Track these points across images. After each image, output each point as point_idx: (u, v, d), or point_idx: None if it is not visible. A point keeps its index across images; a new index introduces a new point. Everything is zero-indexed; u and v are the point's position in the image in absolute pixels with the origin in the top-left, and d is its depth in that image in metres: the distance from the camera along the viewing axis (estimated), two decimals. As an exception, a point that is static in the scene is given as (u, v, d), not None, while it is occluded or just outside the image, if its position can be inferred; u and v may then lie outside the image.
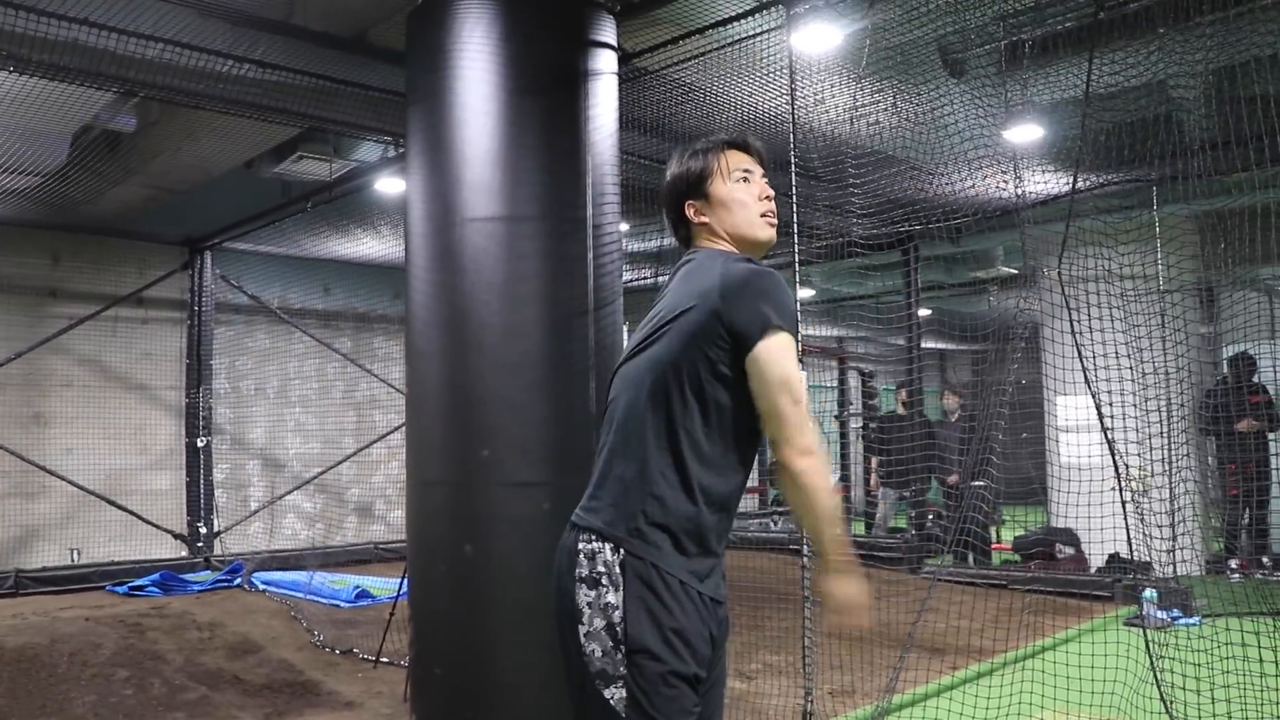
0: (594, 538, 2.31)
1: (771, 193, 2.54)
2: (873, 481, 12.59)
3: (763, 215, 2.51)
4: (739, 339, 2.28)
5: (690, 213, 2.55)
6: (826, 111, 6.47)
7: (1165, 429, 6.68)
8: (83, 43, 5.88)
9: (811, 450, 2.25)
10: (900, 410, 12.15)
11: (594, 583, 2.27)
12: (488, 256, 4.94)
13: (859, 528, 12.68)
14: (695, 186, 2.53)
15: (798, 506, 2.32)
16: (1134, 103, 6.32)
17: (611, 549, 2.28)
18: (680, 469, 2.30)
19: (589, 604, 2.27)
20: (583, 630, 2.27)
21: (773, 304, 2.29)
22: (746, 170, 2.52)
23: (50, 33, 5.73)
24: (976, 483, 7.11)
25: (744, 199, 2.50)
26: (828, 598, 2.37)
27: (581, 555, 2.31)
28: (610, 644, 2.23)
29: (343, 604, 8.76)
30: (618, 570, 2.26)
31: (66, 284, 10.78)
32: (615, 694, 2.22)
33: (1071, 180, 5.13)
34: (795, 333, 2.35)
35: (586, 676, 2.25)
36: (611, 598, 2.24)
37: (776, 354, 2.27)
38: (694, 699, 2.27)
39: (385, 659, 6.52)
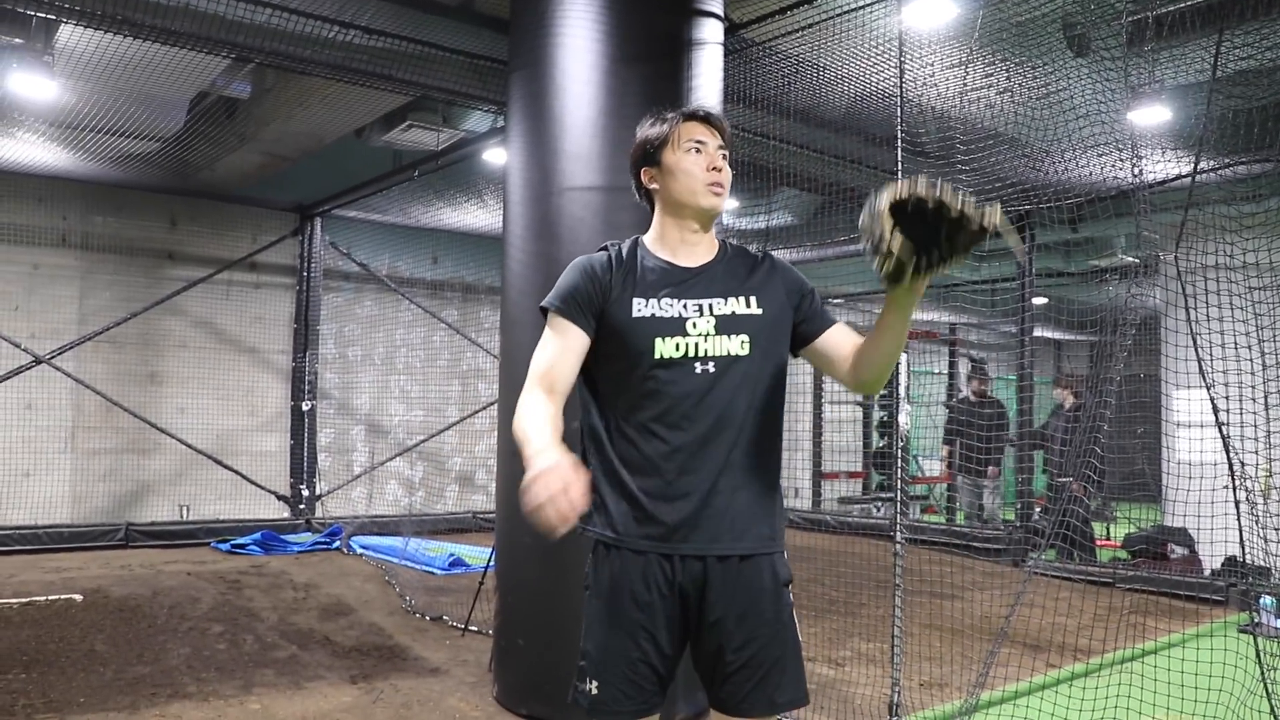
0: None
1: (722, 164, 2.54)
2: (941, 470, 12.36)
3: (708, 185, 2.52)
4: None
5: (645, 179, 2.60)
6: (935, 87, 6.27)
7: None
8: (194, 7, 5.97)
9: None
10: (972, 397, 11.92)
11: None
12: (584, 226, 4.89)
13: (960, 518, 12.42)
14: (651, 154, 2.57)
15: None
16: (1273, 84, 6.00)
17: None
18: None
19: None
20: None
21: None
22: (699, 141, 2.54)
23: (163, -3, 5.83)
24: (1067, 478, 6.86)
25: (690, 168, 2.52)
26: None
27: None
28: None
29: (437, 571, 8.84)
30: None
31: (183, 247, 11.06)
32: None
33: (1193, 165, 4.87)
34: (559, 306, 2.50)
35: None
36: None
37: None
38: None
39: (474, 627, 6.55)
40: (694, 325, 2.45)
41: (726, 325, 2.46)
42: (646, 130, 2.61)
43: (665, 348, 2.43)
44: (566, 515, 2.11)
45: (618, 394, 2.49)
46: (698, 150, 2.53)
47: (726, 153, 2.58)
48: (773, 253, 2.71)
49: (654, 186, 2.58)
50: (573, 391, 2.51)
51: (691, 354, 2.43)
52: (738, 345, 2.45)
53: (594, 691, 2.44)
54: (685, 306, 2.48)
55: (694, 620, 2.46)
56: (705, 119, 2.58)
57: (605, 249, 2.60)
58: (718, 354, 2.44)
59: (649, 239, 2.61)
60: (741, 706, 2.45)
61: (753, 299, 2.51)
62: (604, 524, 2.49)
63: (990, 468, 11.53)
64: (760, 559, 2.47)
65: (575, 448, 2.39)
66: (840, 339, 2.58)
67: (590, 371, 2.54)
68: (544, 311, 2.53)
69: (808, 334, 2.59)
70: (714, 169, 2.52)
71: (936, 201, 1.97)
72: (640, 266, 2.54)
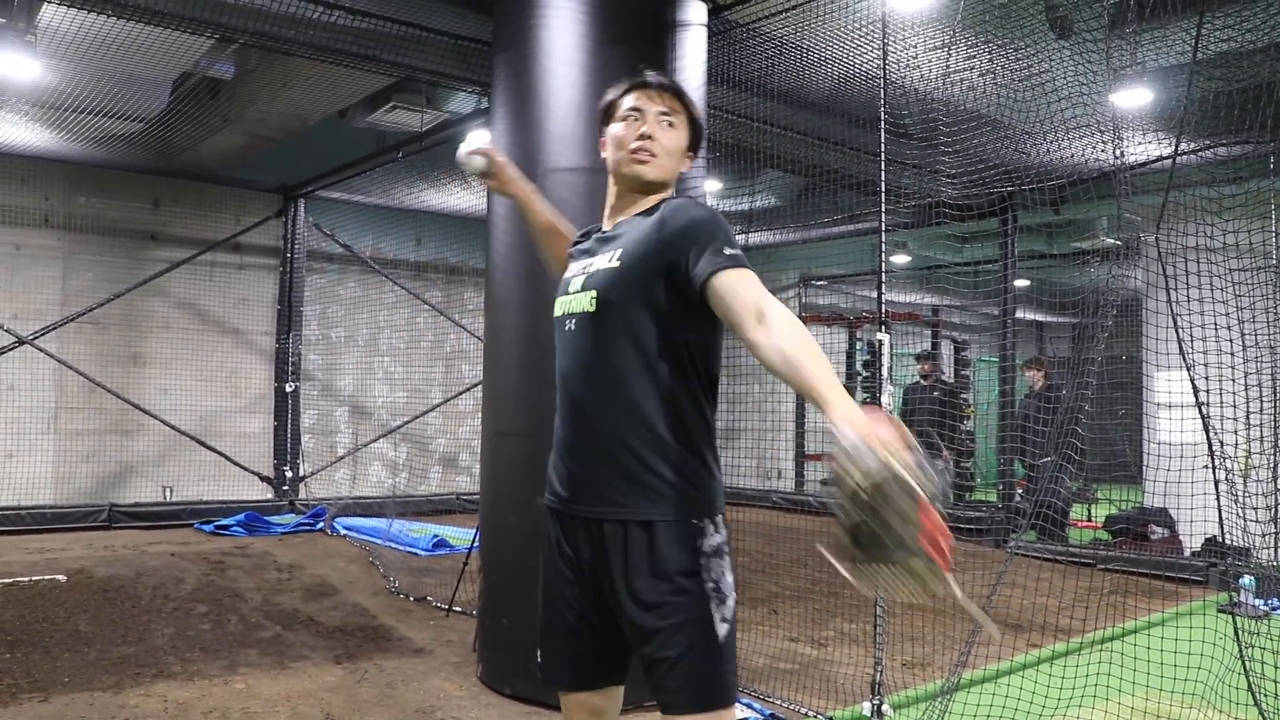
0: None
1: (655, 131, 2.51)
2: None
3: (634, 152, 2.51)
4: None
5: (600, 147, 2.66)
6: (918, 69, 6.28)
7: (1273, 409, 6.41)
8: (178, -14, 5.94)
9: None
10: (922, 381, 12.01)
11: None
12: (568, 208, 4.85)
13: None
14: (602, 123, 2.64)
15: None
16: (1254, 66, 6.02)
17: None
18: None
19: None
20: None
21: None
22: (636, 109, 2.54)
23: (146, -24, 5.80)
24: (1046, 459, 6.92)
25: (623, 137, 2.53)
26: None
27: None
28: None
29: (420, 552, 8.86)
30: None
31: (166, 228, 11.02)
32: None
33: (1174, 147, 4.90)
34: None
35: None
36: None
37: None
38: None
39: (458, 608, 6.57)
40: (574, 284, 2.51)
41: (589, 282, 2.45)
42: (600, 102, 2.68)
43: (555, 308, 2.55)
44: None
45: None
46: (635, 118, 2.53)
47: (672, 120, 2.55)
48: (683, 201, 2.49)
49: (604, 155, 2.62)
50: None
51: (563, 312, 2.51)
52: (587, 301, 2.42)
53: (537, 659, 2.61)
54: (582, 266, 2.54)
55: (604, 582, 2.39)
56: (646, 85, 2.57)
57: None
58: (576, 311, 2.46)
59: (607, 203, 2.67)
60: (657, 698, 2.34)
61: (618, 252, 2.43)
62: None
63: (944, 451, 11.61)
64: (658, 526, 2.30)
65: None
66: (724, 298, 2.22)
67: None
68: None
69: (692, 284, 2.28)
70: (642, 136, 2.51)
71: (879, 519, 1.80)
72: (588, 234, 2.70)
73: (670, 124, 2.54)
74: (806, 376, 2.04)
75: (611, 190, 2.61)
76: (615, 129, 2.55)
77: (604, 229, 2.60)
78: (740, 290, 2.20)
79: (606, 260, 2.44)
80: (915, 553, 1.78)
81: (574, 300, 2.46)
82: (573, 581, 2.49)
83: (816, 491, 13.64)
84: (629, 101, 2.56)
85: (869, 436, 1.83)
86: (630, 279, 2.37)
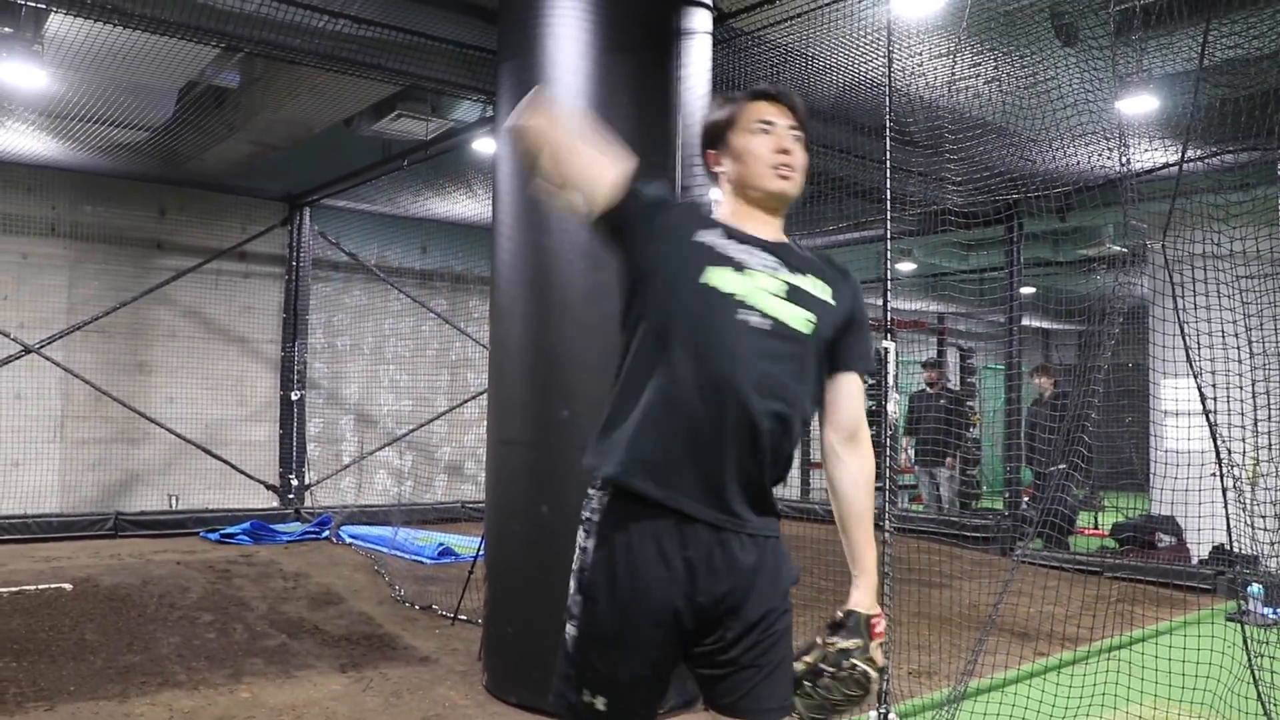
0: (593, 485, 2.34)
1: (792, 147, 2.39)
2: (903, 460, 12.41)
3: (775, 167, 2.38)
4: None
5: (712, 162, 2.49)
6: (923, 76, 6.28)
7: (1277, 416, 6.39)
8: (183, -5, 5.96)
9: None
10: (927, 389, 11.99)
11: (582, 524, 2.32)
12: (574, 216, 4.88)
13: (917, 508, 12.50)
14: (717, 137, 2.45)
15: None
16: (1261, 72, 6.01)
17: (593, 487, 2.31)
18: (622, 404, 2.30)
19: (579, 545, 2.30)
20: (572, 568, 2.30)
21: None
22: (767, 122, 2.40)
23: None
24: (1058, 466, 6.91)
25: (758, 150, 2.38)
26: None
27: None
28: (575, 585, 2.26)
29: (426, 560, 8.85)
30: (591, 513, 2.29)
31: (172, 237, 11.03)
32: (570, 630, 2.26)
33: (1180, 154, 4.89)
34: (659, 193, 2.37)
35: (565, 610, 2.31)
36: (585, 542, 2.28)
37: None
38: (635, 661, 2.21)
39: (463, 616, 6.56)
40: (756, 274, 2.29)
41: (795, 295, 2.29)
42: (713, 113, 2.50)
43: (713, 277, 2.25)
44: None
45: (658, 316, 2.29)
46: (765, 131, 2.39)
47: (800, 134, 2.43)
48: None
49: (719, 169, 2.47)
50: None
51: (747, 299, 2.25)
52: (802, 320, 2.28)
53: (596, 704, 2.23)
54: (752, 255, 2.32)
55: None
56: (774, 97, 2.45)
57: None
58: (778, 315, 2.26)
59: (720, 214, 2.46)
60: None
61: (828, 290, 2.36)
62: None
63: (948, 459, 11.60)
64: (781, 541, 2.34)
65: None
66: (845, 395, 2.39)
67: (637, 290, 2.34)
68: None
69: (833, 362, 2.38)
70: (782, 150, 2.39)
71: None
72: (714, 220, 2.40)
73: (797, 138, 2.43)
74: (862, 524, 2.42)
75: (739, 204, 2.43)
76: (750, 142, 2.39)
77: (744, 229, 2.37)
78: (859, 399, 2.41)
79: (816, 288, 2.32)
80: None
81: (773, 302, 2.25)
82: (671, 606, 2.19)
83: (823, 500, 13.62)
84: (759, 113, 2.41)
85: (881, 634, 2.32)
86: (835, 324, 2.35)
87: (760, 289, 2.25)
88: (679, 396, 2.19)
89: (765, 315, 2.24)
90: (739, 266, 2.27)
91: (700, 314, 2.22)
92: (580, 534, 2.29)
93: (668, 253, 2.28)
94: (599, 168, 2.28)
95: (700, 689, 2.32)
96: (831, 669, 2.26)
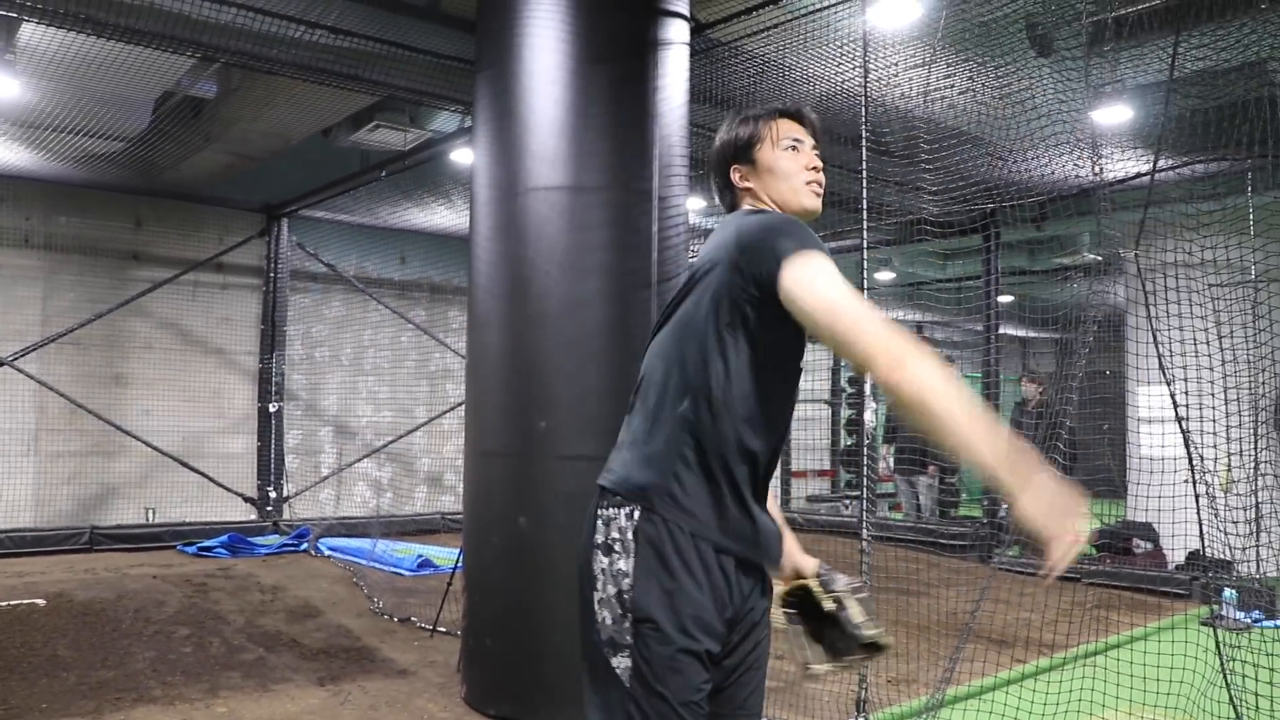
0: (613, 503, 2.26)
1: (819, 164, 2.43)
2: (881, 469, 12.43)
3: (807, 184, 2.41)
4: (763, 283, 2.14)
5: (736, 178, 2.46)
6: (899, 87, 6.32)
7: (1252, 424, 6.45)
8: (158, 6, 5.93)
9: (903, 358, 1.94)
10: None
11: (608, 549, 2.23)
12: (550, 226, 4.90)
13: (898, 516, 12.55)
14: (743, 152, 2.44)
15: (925, 430, 1.98)
16: (1229, 84, 6.07)
17: (627, 514, 2.22)
18: (705, 432, 2.22)
19: (603, 570, 2.23)
20: (596, 597, 2.23)
21: (789, 235, 2.16)
22: (796, 139, 2.42)
23: (127, -5, 5.80)
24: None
25: (789, 167, 2.40)
26: (1026, 526, 1.93)
27: (599, 521, 2.27)
28: (620, 612, 2.19)
29: (405, 572, 8.82)
30: (630, 537, 2.20)
31: (148, 248, 10.97)
32: (621, 663, 2.18)
33: (1152, 164, 4.94)
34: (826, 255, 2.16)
35: (597, 643, 2.22)
36: (623, 564, 2.20)
37: (808, 275, 2.09)
38: (703, 675, 2.18)
39: (442, 628, 6.54)
40: None
41: None
42: (736, 129, 2.48)
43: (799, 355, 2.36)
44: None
45: (759, 381, 2.25)
46: (794, 149, 2.43)
47: (819, 152, 2.48)
48: None
49: (746, 185, 2.45)
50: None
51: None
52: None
53: None
54: None
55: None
56: (798, 116, 2.48)
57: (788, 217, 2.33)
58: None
59: None
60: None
61: None
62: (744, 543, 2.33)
63: (930, 466, 11.64)
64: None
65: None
66: None
67: (736, 347, 2.23)
68: (789, 254, 2.11)
69: None
70: (813, 168, 2.43)
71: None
72: None
73: (819, 156, 2.47)
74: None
75: None
76: (781, 159, 2.41)
77: None
78: None
79: None
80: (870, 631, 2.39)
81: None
82: (724, 634, 2.24)
83: (802, 508, 13.65)
84: (787, 130, 2.44)
85: None
86: None
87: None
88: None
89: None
90: None
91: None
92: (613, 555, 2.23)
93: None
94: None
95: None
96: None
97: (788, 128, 2.44)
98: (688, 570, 2.17)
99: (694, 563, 2.18)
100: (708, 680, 2.21)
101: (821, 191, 2.44)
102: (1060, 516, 1.90)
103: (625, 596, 2.19)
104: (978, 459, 1.92)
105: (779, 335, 2.22)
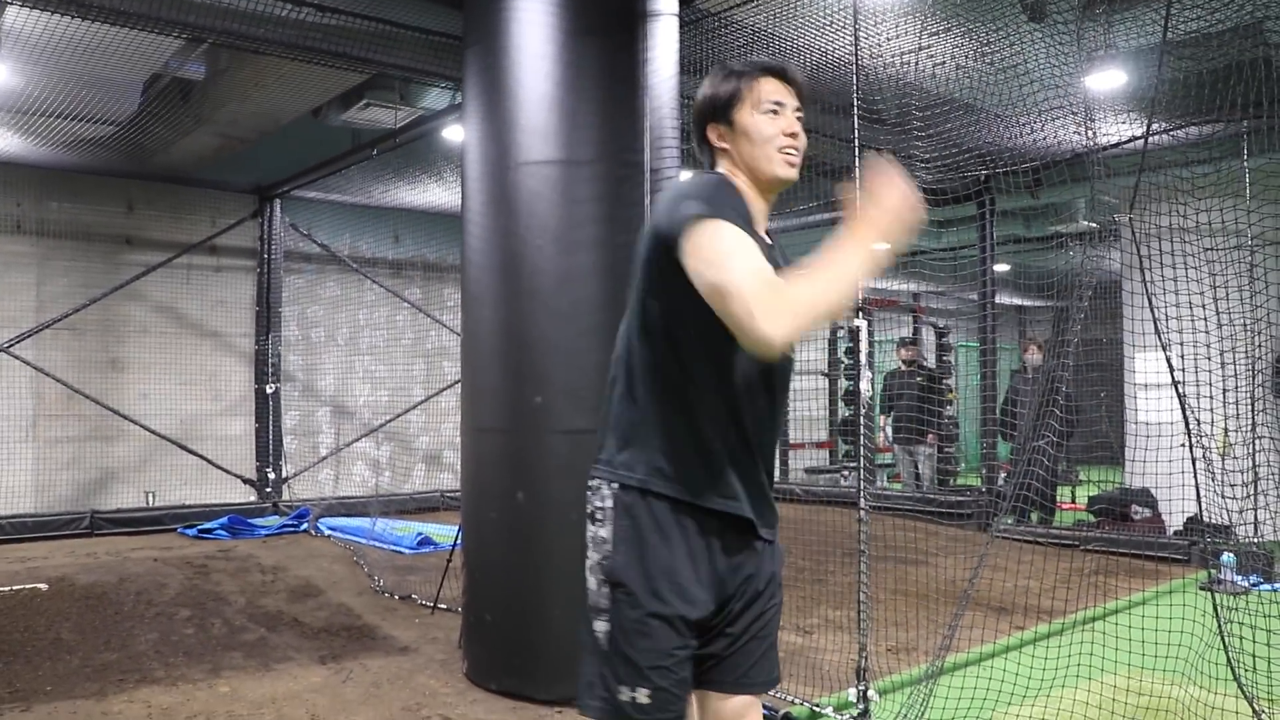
0: (599, 475, 2.31)
1: (799, 129, 2.35)
2: (879, 440, 12.45)
3: (782, 150, 2.32)
4: (671, 250, 2.14)
5: (713, 137, 2.39)
6: (894, 55, 6.28)
7: (1249, 387, 6.44)
8: (144, -14, 5.89)
9: (765, 315, 1.92)
10: (902, 366, 12.04)
11: (594, 519, 2.29)
12: (543, 201, 4.88)
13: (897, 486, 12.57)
14: (722, 111, 2.36)
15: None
16: (1224, 46, 6.04)
17: (609, 485, 2.27)
18: (668, 405, 2.26)
19: (591, 539, 2.30)
20: (587, 564, 2.31)
21: (696, 199, 2.16)
22: (778, 102, 2.33)
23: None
24: (1039, 441, 6.95)
25: (767, 132, 2.31)
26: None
27: (589, 492, 2.32)
28: (601, 577, 2.26)
29: (405, 550, 8.83)
30: (610, 505, 2.25)
31: (141, 232, 10.94)
32: (600, 626, 2.24)
33: (1145, 128, 4.91)
34: (733, 220, 2.14)
35: (586, 607, 2.29)
36: (604, 532, 2.26)
37: (700, 240, 2.08)
38: (675, 640, 2.21)
39: (443, 605, 6.56)
40: None
41: None
42: (718, 85, 2.38)
43: None
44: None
45: (704, 349, 2.22)
46: (775, 112, 2.33)
47: (802, 115, 2.39)
48: None
49: (723, 146, 2.37)
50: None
51: None
52: None
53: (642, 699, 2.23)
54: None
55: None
56: (783, 74, 2.37)
57: (736, 205, 2.28)
58: None
59: None
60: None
61: None
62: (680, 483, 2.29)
63: (929, 435, 11.66)
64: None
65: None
66: None
67: (675, 319, 2.23)
68: (689, 221, 2.11)
69: None
70: (790, 134, 2.33)
71: None
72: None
73: (801, 120, 2.38)
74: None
75: (742, 182, 2.36)
76: (760, 122, 2.33)
77: (756, 227, 2.33)
78: None
79: None
80: None
81: None
82: (707, 601, 2.26)
83: (801, 480, 13.67)
84: (770, 92, 2.34)
85: None
86: None
87: None
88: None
89: None
90: None
91: None
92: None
93: None
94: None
95: (698, 674, 2.35)
96: None
97: (771, 89, 2.35)
98: (662, 536, 2.21)
99: (670, 529, 2.22)
100: (682, 645, 2.23)
101: (798, 159, 2.35)
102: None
103: (604, 563, 2.25)
104: (839, 283, 2.02)
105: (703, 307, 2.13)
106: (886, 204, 2.09)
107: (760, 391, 2.32)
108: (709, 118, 2.39)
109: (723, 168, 2.39)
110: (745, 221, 2.21)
